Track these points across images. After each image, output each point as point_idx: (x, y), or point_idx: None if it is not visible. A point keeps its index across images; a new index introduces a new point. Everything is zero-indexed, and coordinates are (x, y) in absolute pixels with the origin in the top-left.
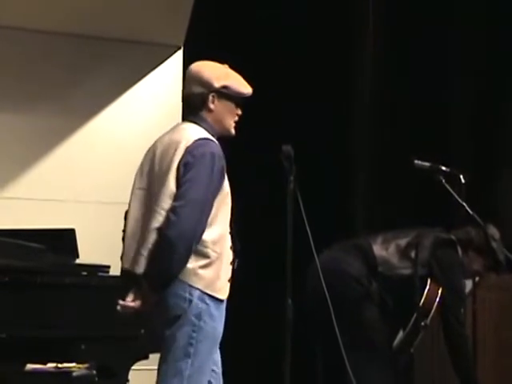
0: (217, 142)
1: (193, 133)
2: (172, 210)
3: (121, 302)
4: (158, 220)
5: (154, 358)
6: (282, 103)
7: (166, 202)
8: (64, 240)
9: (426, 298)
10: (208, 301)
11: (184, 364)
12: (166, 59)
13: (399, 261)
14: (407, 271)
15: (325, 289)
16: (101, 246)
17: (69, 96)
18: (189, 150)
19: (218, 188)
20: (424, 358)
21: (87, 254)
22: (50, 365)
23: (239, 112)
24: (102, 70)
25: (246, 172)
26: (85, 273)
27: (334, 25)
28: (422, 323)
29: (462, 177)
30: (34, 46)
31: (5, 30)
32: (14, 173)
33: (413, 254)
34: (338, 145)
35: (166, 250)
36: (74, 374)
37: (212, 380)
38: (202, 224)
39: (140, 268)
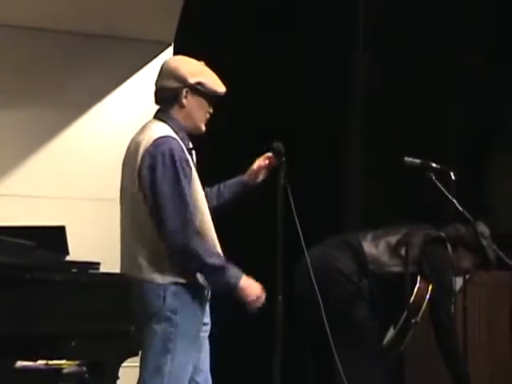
0: (179, 139)
1: (154, 132)
2: (159, 223)
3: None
4: (140, 224)
5: None
6: (274, 99)
7: (140, 208)
8: (54, 237)
9: (416, 296)
10: (184, 295)
11: (164, 360)
12: (156, 56)
13: (389, 258)
14: (397, 269)
15: (315, 286)
16: (92, 243)
17: (60, 93)
18: (148, 152)
19: (188, 177)
20: (414, 356)
21: (78, 252)
22: (40, 362)
23: (211, 110)
24: (92, 66)
25: (236, 168)
26: (75, 270)
27: (331, 21)
28: (413, 320)
29: (452, 174)
30: (26, 44)
31: None
32: (5, 169)
33: (403, 252)
34: (332, 143)
35: (188, 258)
36: (64, 370)
37: (198, 378)
38: (191, 216)
39: (141, 274)
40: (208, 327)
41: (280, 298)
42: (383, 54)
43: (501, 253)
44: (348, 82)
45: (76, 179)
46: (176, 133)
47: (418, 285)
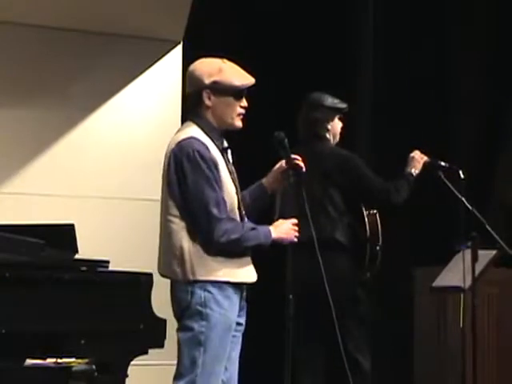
0: (203, 139)
1: (181, 134)
2: (197, 228)
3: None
4: (171, 228)
5: (154, 353)
6: (284, 94)
7: (172, 210)
8: (63, 235)
9: (369, 224)
10: (211, 289)
11: (197, 352)
12: (165, 54)
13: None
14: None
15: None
16: (101, 242)
17: (68, 91)
18: (173, 153)
19: (213, 175)
20: (423, 357)
21: (87, 250)
22: (50, 360)
23: (242, 104)
24: (101, 65)
25: (246, 165)
26: (84, 268)
27: (334, 15)
28: (377, 247)
29: (461, 172)
30: (32, 42)
31: (2, 24)
32: (14, 168)
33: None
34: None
35: (231, 246)
36: (74, 368)
37: (223, 376)
38: (223, 215)
39: (162, 270)
40: (242, 327)
41: (291, 297)
42: (388, 51)
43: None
44: (354, 80)
45: (86, 178)
46: (206, 133)
47: (364, 214)
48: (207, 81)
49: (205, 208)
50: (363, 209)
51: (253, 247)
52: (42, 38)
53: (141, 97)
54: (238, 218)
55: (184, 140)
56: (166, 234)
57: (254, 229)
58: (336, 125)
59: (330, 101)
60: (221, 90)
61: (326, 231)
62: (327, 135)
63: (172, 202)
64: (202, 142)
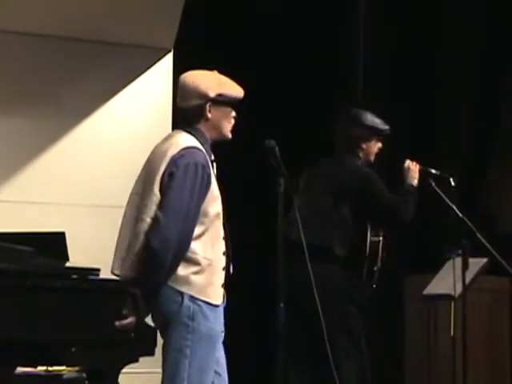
0: (204, 150)
1: (180, 142)
2: (155, 219)
3: (117, 323)
4: (143, 227)
5: (144, 361)
6: (275, 103)
7: (151, 210)
8: (54, 243)
9: (370, 247)
10: (200, 302)
11: (182, 365)
12: (156, 62)
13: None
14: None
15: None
16: (92, 249)
17: (59, 99)
18: (173, 160)
19: (202, 196)
20: (414, 357)
21: (78, 258)
22: (40, 368)
23: (234, 114)
24: (92, 72)
25: (237, 174)
26: (75, 276)
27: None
28: (375, 268)
29: (451, 180)
30: (23, 50)
31: None
32: (5, 176)
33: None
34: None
35: (150, 259)
36: (64, 376)
37: (216, 382)
38: (186, 231)
39: (126, 271)
40: (223, 333)
41: (282, 305)
42: (382, 59)
43: (503, 261)
44: (347, 88)
45: (76, 186)
46: (202, 144)
47: (368, 235)
48: (212, 94)
49: (183, 217)
50: (368, 230)
51: (145, 281)
52: (33, 46)
53: (131, 105)
54: (222, 234)
55: (188, 148)
56: (142, 233)
57: (156, 287)
58: (372, 145)
59: (370, 120)
60: (223, 102)
61: (326, 242)
62: (359, 153)
63: (154, 206)
64: (204, 154)
